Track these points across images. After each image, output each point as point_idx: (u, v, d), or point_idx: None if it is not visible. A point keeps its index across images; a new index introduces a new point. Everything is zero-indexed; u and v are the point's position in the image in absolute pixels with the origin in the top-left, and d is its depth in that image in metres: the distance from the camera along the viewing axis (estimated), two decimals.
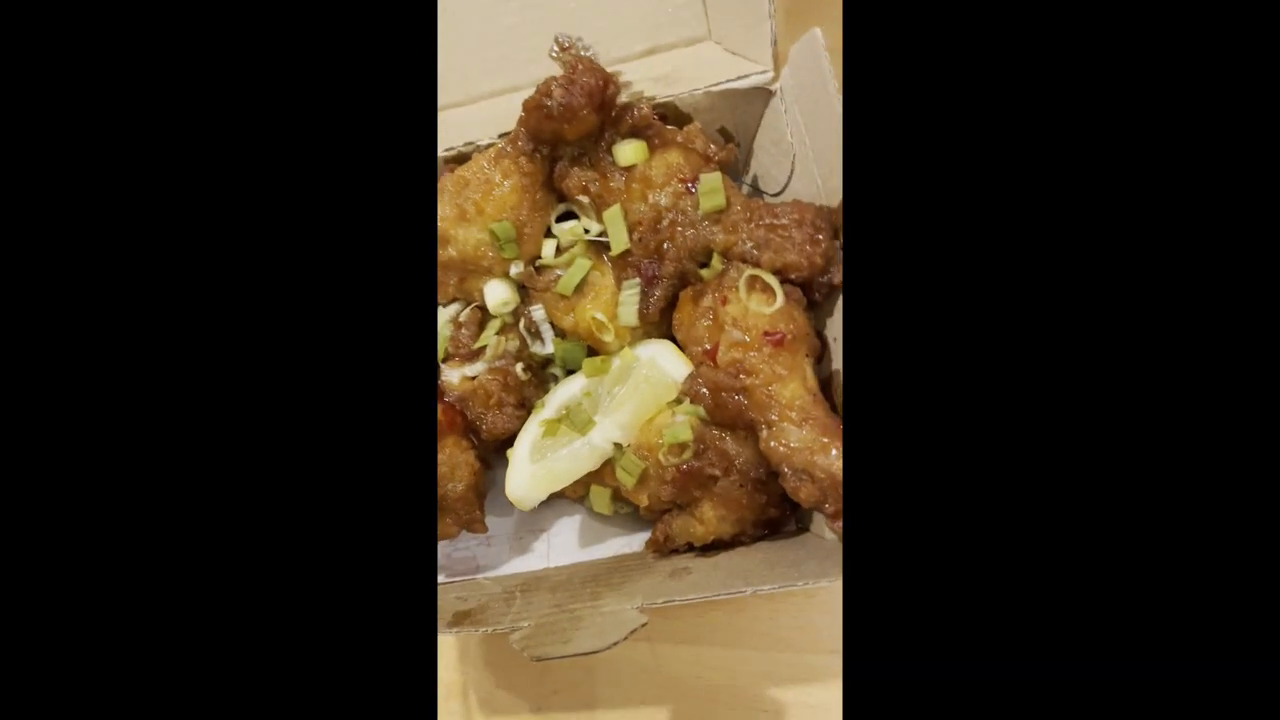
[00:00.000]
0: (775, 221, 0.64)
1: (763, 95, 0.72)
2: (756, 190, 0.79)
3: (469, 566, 0.78)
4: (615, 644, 0.55)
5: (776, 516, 0.69)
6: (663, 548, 0.71)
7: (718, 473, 0.64)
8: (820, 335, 0.67)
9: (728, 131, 0.76)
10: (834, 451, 0.57)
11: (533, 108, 0.65)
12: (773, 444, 0.60)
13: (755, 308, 0.63)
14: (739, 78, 0.70)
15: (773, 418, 0.60)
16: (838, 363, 0.66)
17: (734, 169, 0.79)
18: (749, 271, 0.64)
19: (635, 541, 0.76)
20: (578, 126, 0.66)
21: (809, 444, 0.58)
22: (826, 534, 0.66)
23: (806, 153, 0.68)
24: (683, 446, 0.65)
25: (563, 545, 0.77)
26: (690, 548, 0.70)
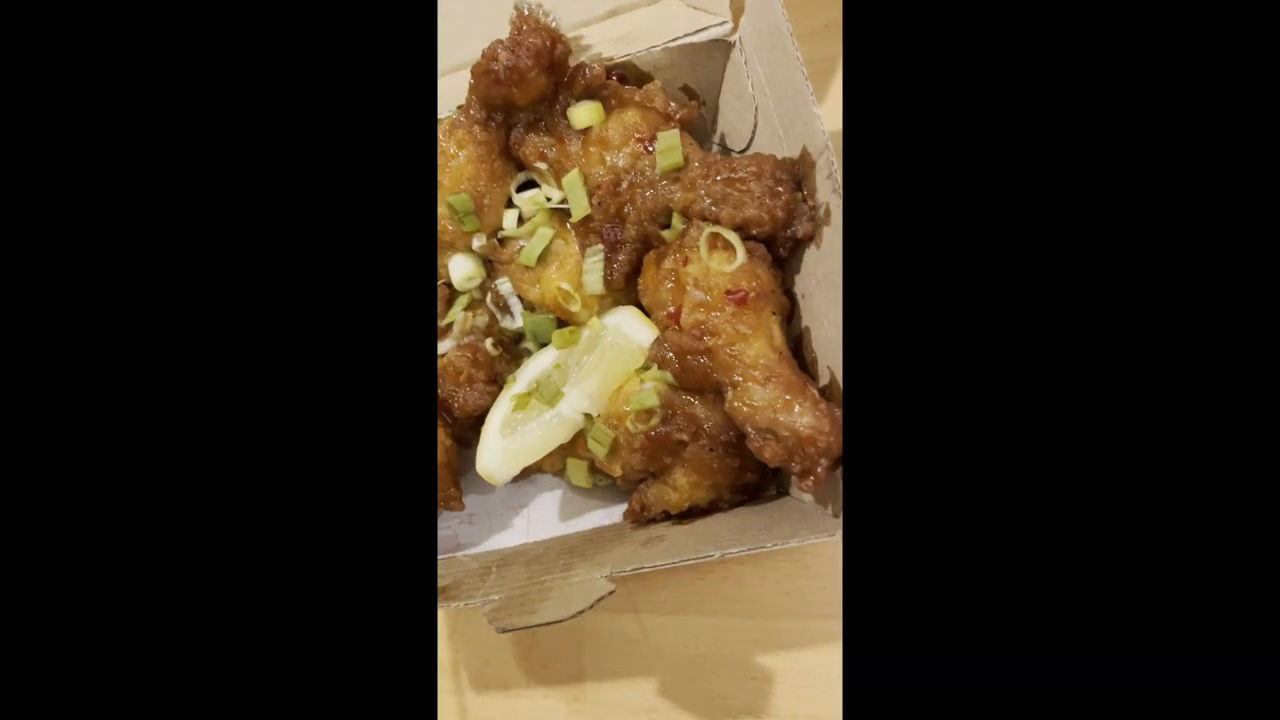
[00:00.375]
0: (733, 176, 0.61)
1: (723, 48, 0.69)
2: (725, 149, 0.76)
3: (450, 545, 0.77)
4: (580, 612, 0.54)
5: (754, 481, 0.67)
6: (640, 517, 0.69)
7: (685, 438, 0.63)
8: (789, 292, 0.65)
9: (691, 89, 0.73)
10: (798, 408, 0.56)
11: (480, 73, 0.64)
12: (737, 404, 0.58)
13: (716, 266, 0.61)
14: (696, 31, 0.68)
15: (737, 378, 0.59)
16: (808, 320, 0.64)
17: (701, 128, 0.76)
18: (709, 229, 0.62)
19: (615, 514, 0.75)
20: (528, 90, 0.64)
21: (772, 402, 0.56)
22: (805, 497, 0.64)
23: (768, 103, 0.65)
24: (650, 413, 0.63)
25: (542, 520, 0.76)
26: (668, 516, 0.69)
